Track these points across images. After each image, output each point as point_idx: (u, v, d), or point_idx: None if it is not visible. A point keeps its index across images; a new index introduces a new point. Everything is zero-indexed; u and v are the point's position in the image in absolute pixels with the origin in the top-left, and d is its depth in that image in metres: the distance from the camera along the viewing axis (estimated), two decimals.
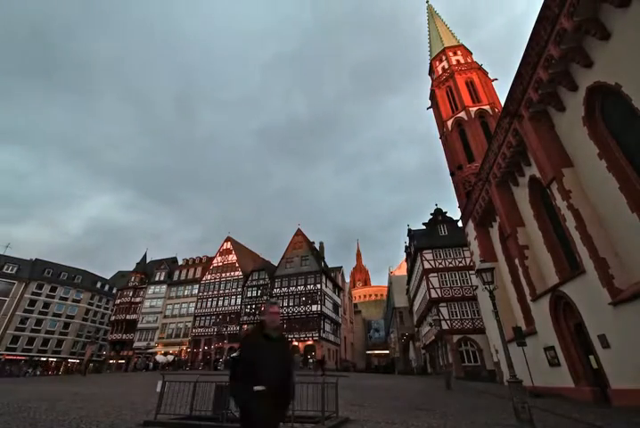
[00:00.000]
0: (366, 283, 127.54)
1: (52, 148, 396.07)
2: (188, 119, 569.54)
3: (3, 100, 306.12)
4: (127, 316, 46.22)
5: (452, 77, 26.33)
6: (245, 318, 39.87)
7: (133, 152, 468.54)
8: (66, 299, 51.59)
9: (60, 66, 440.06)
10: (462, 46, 29.24)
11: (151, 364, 37.57)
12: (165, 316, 44.94)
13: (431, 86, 29.06)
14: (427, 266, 29.30)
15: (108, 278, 64.65)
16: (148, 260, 53.33)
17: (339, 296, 46.41)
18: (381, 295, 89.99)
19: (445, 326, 26.08)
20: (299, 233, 43.81)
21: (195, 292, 45.01)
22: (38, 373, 42.88)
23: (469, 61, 28.00)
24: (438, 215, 33.18)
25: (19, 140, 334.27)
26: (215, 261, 46.43)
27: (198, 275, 46.84)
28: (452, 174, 24.52)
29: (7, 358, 43.05)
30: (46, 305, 49.03)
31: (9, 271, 46.70)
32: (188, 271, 48.35)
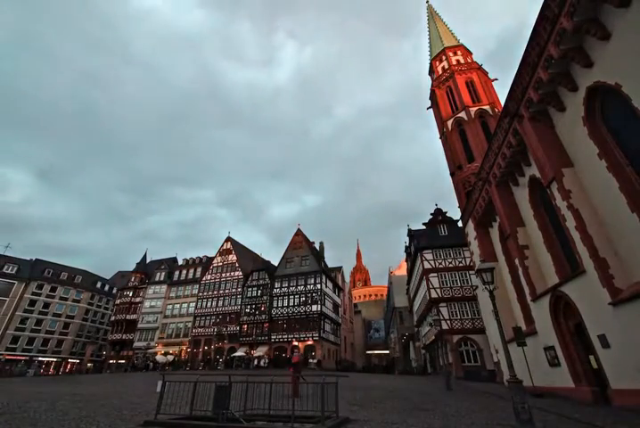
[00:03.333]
0: (366, 283, 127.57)
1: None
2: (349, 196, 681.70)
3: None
4: (127, 316, 46.19)
5: (452, 77, 26.34)
6: (245, 318, 39.83)
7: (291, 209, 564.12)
8: (66, 299, 51.54)
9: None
10: (462, 46, 29.25)
11: (152, 364, 37.57)
12: (165, 316, 44.92)
13: (431, 86, 29.06)
14: (427, 266, 29.28)
15: (108, 278, 64.66)
16: (148, 260, 53.31)
17: (339, 296, 46.40)
18: (381, 295, 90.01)
19: (445, 326, 26.08)
20: (298, 233, 43.79)
21: (195, 292, 44.98)
22: (41, 371, 43.05)
23: (469, 61, 28.02)
24: (439, 215, 33.16)
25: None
26: (215, 261, 46.41)
27: (198, 275, 46.80)
28: (452, 174, 24.52)
29: (7, 357, 43.06)
30: (46, 305, 48.98)
31: (9, 271, 46.67)
32: (188, 271, 48.33)
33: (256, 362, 33.75)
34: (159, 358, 38.03)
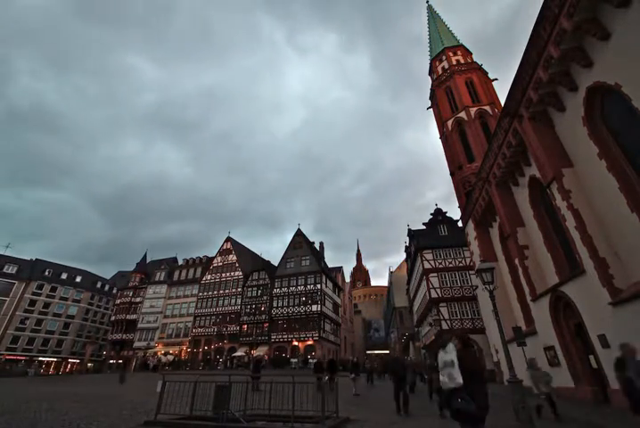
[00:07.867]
0: (366, 283, 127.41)
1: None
2: None
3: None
4: (127, 316, 46.19)
5: (452, 77, 26.31)
6: (245, 318, 39.82)
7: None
8: (66, 299, 51.53)
9: None
10: (462, 46, 29.23)
11: (152, 364, 37.55)
12: (165, 316, 44.91)
13: (432, 86, 29.06)
14: (427, 266, 29.28)
15: (108, 278, 64.62)
16: (148, 260, 53.29)
17: (339, 296, 46.39)
18: (381, 295, 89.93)
19: (445, 326, 26.06)
20: (299, 233, 43.78)
21: (195, 292, 44.98)
22: (41, 371, 43.01)
23: (469, 61, 27.99)
24: (439, 215, 33.16)
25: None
26: (215, 261, 46.39)
27: (198, 275, 46.78)
28: (452, 174, 24.52)
29: (7, 357, 43.06)
30: (46, 305, 48.97)
31: (9, 271, 46.67)
32: (188, 271, 48.31)
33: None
34: (159, 357, 38.02)
